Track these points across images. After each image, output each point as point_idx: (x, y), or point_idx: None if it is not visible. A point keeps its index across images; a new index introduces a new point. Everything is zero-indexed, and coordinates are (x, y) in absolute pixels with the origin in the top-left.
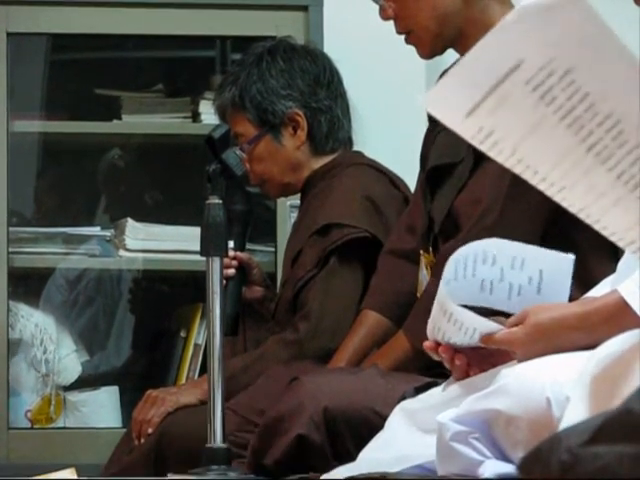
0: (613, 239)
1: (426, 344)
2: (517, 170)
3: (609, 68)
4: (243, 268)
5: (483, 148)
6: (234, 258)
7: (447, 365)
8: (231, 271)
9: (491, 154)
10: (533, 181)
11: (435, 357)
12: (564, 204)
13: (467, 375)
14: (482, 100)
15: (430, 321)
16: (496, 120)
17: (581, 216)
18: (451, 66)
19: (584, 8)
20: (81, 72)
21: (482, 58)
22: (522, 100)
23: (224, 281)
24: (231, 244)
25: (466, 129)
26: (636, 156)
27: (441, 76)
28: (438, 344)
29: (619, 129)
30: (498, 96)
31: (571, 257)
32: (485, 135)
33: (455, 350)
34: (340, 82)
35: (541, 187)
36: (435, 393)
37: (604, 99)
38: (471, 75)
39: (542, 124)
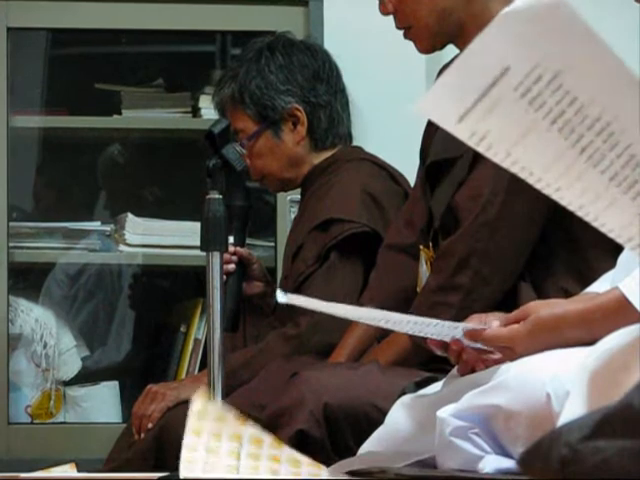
0: (612, 236)
1: (430, 341)
2: (514, 170)
3: (596, 71)
4: (243, 264)
5: (479, 150)
6: (234, 254)
7: (453, 361)
8: (231, 267)
9: (487, 155)
10: (530, 181)
11: (439, 353)
12: (562, 203)
13: (473, 370)
14: (472, 106)
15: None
16: (487, 125)
17: (579, 214)
18: (450, 62)
19: (568, 12)
20: (81, 67)
21: (470, 64)
22: (512, 106)
23: (224, 277)
24: (231, 240)
25: (460, 133)
26: (628, 157)
27: (440, 72)
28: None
29: (609, 131)
30: (488, 102)
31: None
32: (479, 139)
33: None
34: (339, 77)
35: (538, 187)
36: (435, 388)
37: (593, 102)
38: (461, 81)
39: (533, 129)
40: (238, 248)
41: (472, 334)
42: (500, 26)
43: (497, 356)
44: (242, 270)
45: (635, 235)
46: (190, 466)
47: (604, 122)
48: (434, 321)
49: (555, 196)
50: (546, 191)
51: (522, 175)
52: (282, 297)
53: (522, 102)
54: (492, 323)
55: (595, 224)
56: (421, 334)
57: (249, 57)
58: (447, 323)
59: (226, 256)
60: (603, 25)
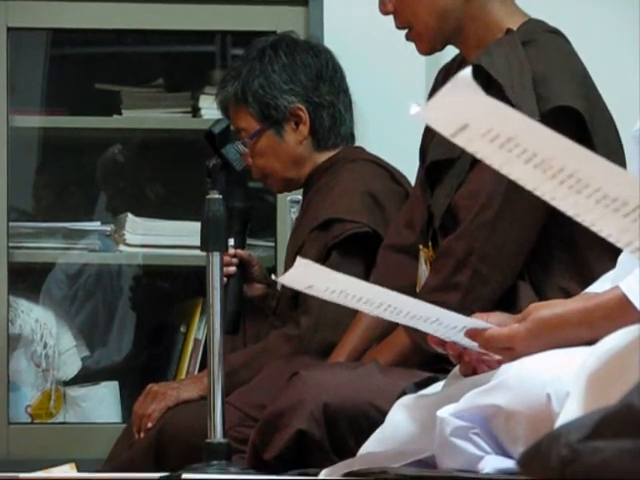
0: (611, 240)
1: (431, 339)
2: (511, 178)
3: (537, 137)
4: (243, 266)
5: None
6: (234, 256)
7: (454, 361)
8: (232, 269)
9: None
10: (527, 189)
11: (440, 351)
12: (559, 209)
13: (475, 372)
14: (454, 135)
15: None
16: (474, 148)
17: (577, 220)
18: (450, 62)
19: (472, 89)
20: (81, 67)
21: (441, 109)
22: (485, 145)
23: (224, 279)
24: (231, 242)
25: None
26: (604, 194)
27: (440, 72)
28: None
29: (576, 178)
30: (464, 138)
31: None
32: (472, 152)
33: (463, 347)
34: (343, 77)
35: (535, 194)
36: (435, 388)
37: (553, 157)
38: (440, 114)
39: (510, 163)
40: (238, 250)
41: (472, 333)
42: (454, 88)
43: (498, 357)
44: (243, 272)
45: (633, 239)
46: None
47: (568, 172)
48: (436, 313)
49: (552, 203)
50: (543, 198)
51: (519, 183)
52: (300, 261)
53: (493, 145)
54: (493, 320)
55: (593, 229)
56: (420, 328)
57: (252, 56)
58: (448, 319)
59: (226, 258)
60: (603, 25)
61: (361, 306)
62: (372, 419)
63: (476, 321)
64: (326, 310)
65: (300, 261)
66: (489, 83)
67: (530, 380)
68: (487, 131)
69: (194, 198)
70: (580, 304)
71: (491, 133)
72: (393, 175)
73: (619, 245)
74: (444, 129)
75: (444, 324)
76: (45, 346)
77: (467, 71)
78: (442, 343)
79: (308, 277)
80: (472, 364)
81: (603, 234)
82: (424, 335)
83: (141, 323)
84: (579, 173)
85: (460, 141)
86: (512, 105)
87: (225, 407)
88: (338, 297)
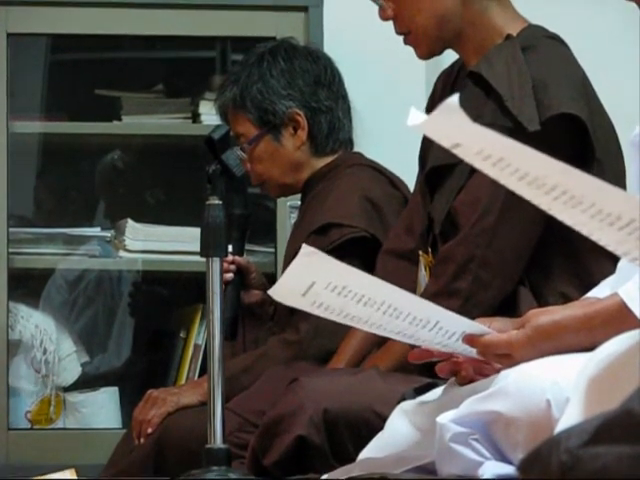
0: (609, 249)
1: (411, 355)
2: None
3: (527, 159)
4: (241, 272)
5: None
6: (232, 262)
7: (445, 377)
8: (229, 275)
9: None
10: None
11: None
12: (558, 218)
13: (472, 380)
14: (450, 148)
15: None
16: (470, 162)
17: (576, 228)
18: (449, 68)
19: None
20: (81, 73)
21: (435, 127)
22: (479, 163)
23: (223, 285)
24: (230, 248)
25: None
26: (598, 209)
27: (439, 77)
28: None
29: (569, 195)
30: (460, 153)
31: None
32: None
33: (458, 362)
34: (341, 83)
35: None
36: (435, 394)
37: (545, 176)
38: (435, 131)
39: (505, 179)
40: (236, 257)
41: (470, 339)
42: (442, 114)
43: (496, 367)
44: (240, 279)
45: (631, 250)
46: None
47: (561, 190)
48: (437, 315)
49: (551, 212)
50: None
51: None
52: (305, 249)
53: (487, 163)
54: (495, 326)
55: (592, 238)
56: (422, 342)
57: (251, 62)
58: (450, 319)
59: (224, 265)
60: (603, 28)
61: (361, 311)
62: (372, 425)
63: (477, 324)
64: None
65: (305, 249)
66: (488, 92)
67: (530, 386)
68: (479, 151)
69: (194, 204)
70: (579, 311)
71: (483, 153)
72: (391, 180)
73: (617, 254)
74: (441, 142)
75: (444, 329)
76: (45, 352)
77: (454, 98)
78: (427, 356)
79: (311, 269)
80: (469, 377)
81: (602, 243)
82: None
83: (141, 329)
84: (572, 190)
85: (457, 154)
86: (511, 115)
87: (225, 413)
88: (339, 297)
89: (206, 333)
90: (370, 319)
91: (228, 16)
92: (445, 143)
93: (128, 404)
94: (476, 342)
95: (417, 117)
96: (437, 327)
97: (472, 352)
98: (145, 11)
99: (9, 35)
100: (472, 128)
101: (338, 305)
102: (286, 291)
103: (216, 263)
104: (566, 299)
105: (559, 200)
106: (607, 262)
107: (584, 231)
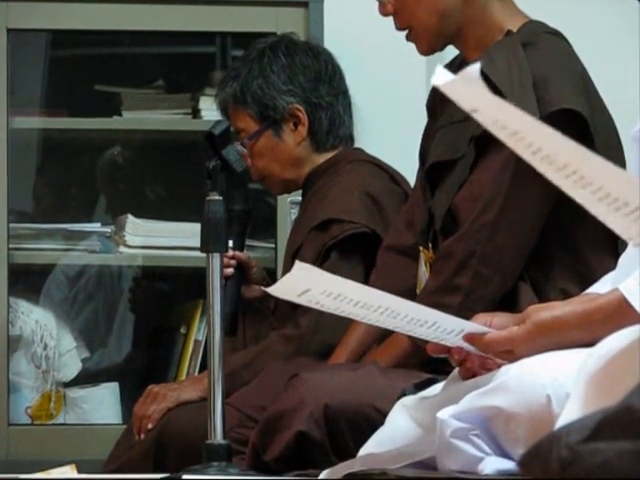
0: (616, 232)
1: (430, 349)
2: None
3: (541, 134)
4: (242, 267)
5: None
6: (232, 257)
7: (454, 364)
8: (230, 270)
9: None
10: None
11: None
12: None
13: (474, 375)
14: (470, 112)
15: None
16: (488, 128)
17: (586, 208)
18: (450, 63)
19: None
20: (81, 68)
21: (457, 89)
22: (495, 131)
23: (223, 280)
24: (230, 243)
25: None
26: (606, 192)
27: None
28: (443, 346)
29: (579, 175)
30: (478, 118)
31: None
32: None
33: (467, 353)
34: (342, 79)
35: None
36: (435, 390)
37: (557, 154)
38: (457, 93)
39: (520, 150)
40: (237, 252)
41: (471, 338)
42: (462, 80)
43: (499, 362)
44: (241, 274)
45: (635, 236)
46: None
47: (572, 169)
48: (434, 317)
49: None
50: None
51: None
52: (298, 265)
53: (505, 132)
54: (497, 321)
55: (600, 219)
56: (420, 336)
57: (252, 57)
58: (447, 322)
59: (224, 260)
60: (603, 25)
61: (358, 311)
62: (372, 420)
63: (474, 325)
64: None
65: (299, 265)
66: (489, 88)
67: (530, 382)
68: (494, 121)
69: (194, 199)
70: (579, 306)
71: (498, 123)
72: (392, 176)
73: (623, 238)
74: (461, 105)
75: (441, 328)
76: (45, 347)
77: (475, 67)
78: (444, 350)
79: (306, 280)
80: (473, 370)
81: (609, 226)
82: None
83: (141, 324)
84: (582, 171)
85: (476, 118)
86: None
87: (225, 408)
88: (334, 301)
89: (206, 329)
90: (367, 317)
91: (228, 11)
92: (465, 106)
93: (128, 400)
94: (477, 341)
95: (442, 76)
96: (435, 326)
97: (473, 349)
98: (145, 6)
99: (9, 31)
100: (490, 99)
101: (334, 306)
102: (282, 293)
103: (216, 259)
104: (566, 295)
105: (570, 179)
106: (608, 258)
107: (593, 211)
